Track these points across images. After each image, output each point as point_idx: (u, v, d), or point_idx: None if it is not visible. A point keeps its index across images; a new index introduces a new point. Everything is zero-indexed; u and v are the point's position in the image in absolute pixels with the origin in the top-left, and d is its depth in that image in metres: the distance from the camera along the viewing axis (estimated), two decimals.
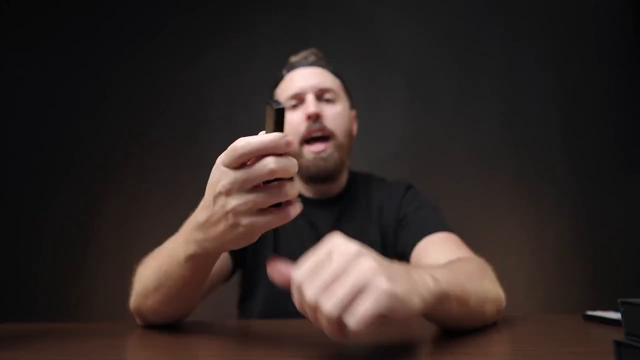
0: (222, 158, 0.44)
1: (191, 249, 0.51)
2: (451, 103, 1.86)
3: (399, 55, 1.90)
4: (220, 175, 0.44)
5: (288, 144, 0.41)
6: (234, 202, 0.43)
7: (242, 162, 0.42)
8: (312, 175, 0.88)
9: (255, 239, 0.46)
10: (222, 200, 0.44)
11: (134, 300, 0.68)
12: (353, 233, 0.90)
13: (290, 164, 0.42)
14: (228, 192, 0.43)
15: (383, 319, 0.35)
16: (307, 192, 0.94)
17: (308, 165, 0.87)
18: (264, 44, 1.91)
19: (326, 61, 0.95)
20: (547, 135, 1.82)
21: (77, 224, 1.83)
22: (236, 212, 0.43)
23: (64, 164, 1.87)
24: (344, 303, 0.34)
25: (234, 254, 0.87)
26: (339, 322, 0.35)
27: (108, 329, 0.74)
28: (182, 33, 1.95)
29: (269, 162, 0.41)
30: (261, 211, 0.44)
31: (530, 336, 0.61)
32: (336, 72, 0.94)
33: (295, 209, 0.44)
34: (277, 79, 0.95)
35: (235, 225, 0.44)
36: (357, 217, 0.92)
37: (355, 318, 0.34)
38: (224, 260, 0.85)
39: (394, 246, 0.88)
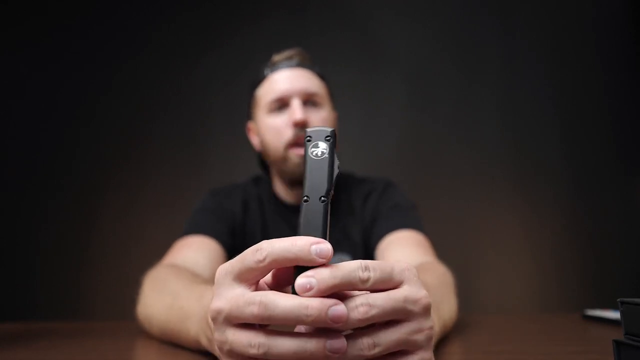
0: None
1: (201, 340, 0.46)
2: (451, 103, 1.86)
3: (398, 55, 1.90)
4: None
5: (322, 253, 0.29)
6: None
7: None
8: (298, 179, 0.84)
9: None
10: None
11: (139, 314, 0.67)
12: (336, 235, 0.90)
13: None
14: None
15: None
16: (289, 198, 0.91)
17: (294, 169, 0.84)
18: (263, 45, 1.91)
19: (312, 62, 0.92)
20: (547, 136, 1.82)
21: (77, 224, 1.82)
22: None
23: (64, 164, 1.87)
24: (386, 349, 0.30)
25: (230, 257, 0.86)
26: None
27: (108, 329, 0.74)
28: (182, 33, 1.95)
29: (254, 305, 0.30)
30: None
31: (529, 336, 0.61)
32: (321, 75, 0.91)
33: None
34: (259, 78, 0.90)
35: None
36: (340, 219, 0.91)
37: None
38: (221, 261, 0.84)
39: (369, 242, 0.88)
